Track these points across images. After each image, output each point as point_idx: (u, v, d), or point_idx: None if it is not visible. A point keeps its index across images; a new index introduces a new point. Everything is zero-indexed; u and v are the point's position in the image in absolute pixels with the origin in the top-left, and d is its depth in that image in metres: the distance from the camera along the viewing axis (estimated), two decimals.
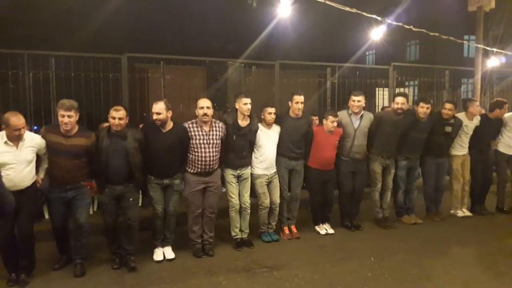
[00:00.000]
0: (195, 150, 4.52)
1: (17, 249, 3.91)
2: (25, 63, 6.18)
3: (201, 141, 4.52)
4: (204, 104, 4.50)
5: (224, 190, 5.12)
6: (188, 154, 4.57)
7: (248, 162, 4.94)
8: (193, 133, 4.53)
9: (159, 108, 4.30)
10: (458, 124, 5.84)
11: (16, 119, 3.67)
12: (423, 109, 5.49)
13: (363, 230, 5.52)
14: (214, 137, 4.59)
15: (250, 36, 10.03)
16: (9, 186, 3.70)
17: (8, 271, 3.92)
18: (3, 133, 3.74)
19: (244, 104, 4.71)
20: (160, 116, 4.31)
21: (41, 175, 4.09)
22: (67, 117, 3.91)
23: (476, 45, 8.45)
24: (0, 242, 3.83)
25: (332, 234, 5.37)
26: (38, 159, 4.03)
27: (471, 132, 6.02)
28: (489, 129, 6.14)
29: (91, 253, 4.41)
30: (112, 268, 4.25)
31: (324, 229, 5.42)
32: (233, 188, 4.85)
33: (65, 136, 4.00)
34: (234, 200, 4.83)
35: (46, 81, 6.34)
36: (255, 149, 4.98)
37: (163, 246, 4.58)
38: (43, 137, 4.01)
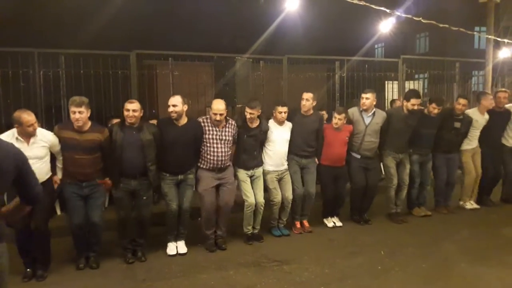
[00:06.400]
0: (207, 145, 4.56)
1: (33, 244, 3.96)
2: (35, 61, 6.24)
3: (214, 137, 4.57)
4: (218, 111, 4.49)
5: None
6: (201, 150, 4.61)
7: (260, 163, 4.97)
8: (206, 128, 4.58)
9: (176, 101, 4.38)
10: (467, 121, 5.83)
11: (27, 115, 3.77)
12: (435, 110, 5.52)
13: (372, 224, 5.51)
14: (227, 134, 4.62)
15: (258, 31, 9.99)
16: None
17: (25, 266, 3.97)
18: (15, 130, 3.82)
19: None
20: (176, 108, 4.37)
21: (59, 175, 4.15)
22: (78, 113, 3.98)
23: (487, 36, 8.34)
24: (17, 238, 3.88)
25: (340, 226, 5.38)
26: (54, 159, 4.08)
27: (480, 128, 5.98)
28: (497, 123, 6.09)
29: (103, 248, 4.43)
30: (127, 262, 4.28)
31: (332, 222, 5.43)
32: (247, 186, 4.85)
33: (78, 131, 4.05)
34: (250, 199, 4.80)
35: (56, 78, 6.39)
36: (265, 145, 5.00)
37: (176, 241, 4.61)
38: (56, 134, 4.07)
